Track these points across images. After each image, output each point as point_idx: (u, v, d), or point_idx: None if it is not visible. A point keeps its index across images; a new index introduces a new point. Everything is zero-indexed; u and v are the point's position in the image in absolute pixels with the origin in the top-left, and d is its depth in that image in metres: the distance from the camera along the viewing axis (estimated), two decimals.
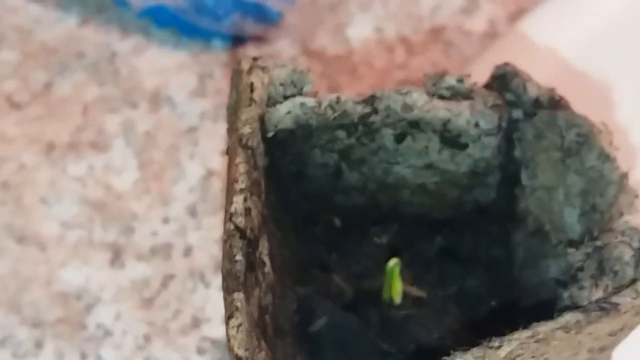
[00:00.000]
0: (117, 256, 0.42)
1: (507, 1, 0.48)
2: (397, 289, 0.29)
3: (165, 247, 0.42)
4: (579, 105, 0.26)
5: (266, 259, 0.27)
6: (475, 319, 0.28)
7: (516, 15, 0.47)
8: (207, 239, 0.42)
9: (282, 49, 0.47)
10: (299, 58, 0.47)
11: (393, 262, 0.28)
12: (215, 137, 0.45)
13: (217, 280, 0.41)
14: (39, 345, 0.39)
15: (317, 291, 0.29)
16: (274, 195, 0.29)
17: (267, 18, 0.44)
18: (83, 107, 0.46)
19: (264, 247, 0.27)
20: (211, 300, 0.40)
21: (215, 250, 0.42)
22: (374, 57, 0.47)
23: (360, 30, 0.48)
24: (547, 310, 0.25)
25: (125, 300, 0.40)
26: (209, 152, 0.44)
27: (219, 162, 0.44)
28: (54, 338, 0.39)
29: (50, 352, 0.39)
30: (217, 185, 0.44)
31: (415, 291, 0.29)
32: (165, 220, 0.43)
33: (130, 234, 0.42)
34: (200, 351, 0.39)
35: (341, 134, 0.29)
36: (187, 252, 0.42)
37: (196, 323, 0.39)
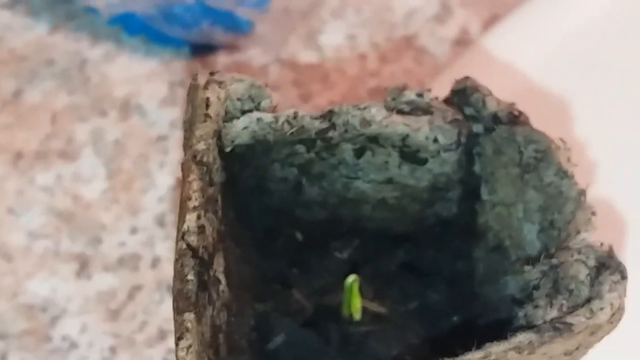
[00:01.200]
0: (83, 267, 0.41)
1: (481, 8, 0.48)
2: (356, 305, 0.28)
3: (132, 258, 0.41)
4: (538, 121, 0.26)
5: (221, 277, 0.26)
6: (436, 335, 0.28)
7: (489, 22, 0.47)
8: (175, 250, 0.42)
9: (254, 57, 0.47)
10: (271, 65, 0.46)
11: (351, 278, 0.28)
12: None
13: None
14: (3, 357, 0.38)
15: (277, 307, 0.29)
16: (232, 211, 0.29)
17: (237, 26, 0.44)
18: (52, 115, 0.46)
19: (219, 264, 0.26)
20: None
21: None
22: (347, 65, 0.47)
23: (332, 38, 0.47)
24: (504, 328, 0.24)
25: (91, 312, 0.40)
26: (179, 161, 0.44)
27: None
28: (18, 350, 0.39)
29: None
30: None
31: (375, 307, 0.29)
32: (134, 231, 0.42)
33: (98, 244, 0.42)
34: None
35: (300, 148, 0.28)
36: (155, 263, 0.41)
37: (163, 335, 0.39)
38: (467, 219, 0.29)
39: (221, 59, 0.47)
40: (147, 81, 0.47)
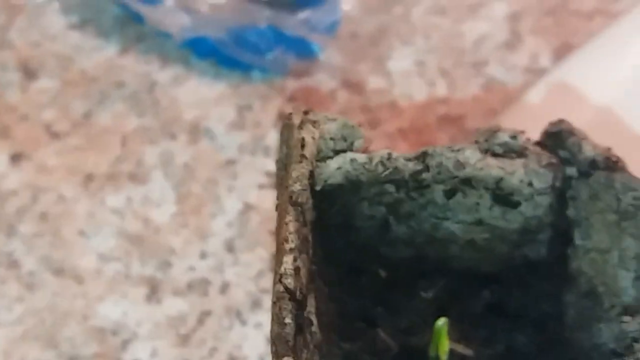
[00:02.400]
0: (154, 291, 0.41)
1: (551, 35, 0.47)
2: (444, 348, 0.28)
3: (202, 283, 0.42)
4: (634, 165, 0.26)
5: (313, 318, 0.26)
6: None
7: (560, 49, 0.47)
8: (244, 276, 0.42)
9: (322, 82, 0.47)
10: (339, 90, 0.46)
11: (442, 321, 0.27)
12: (253, 170, 0.45)
13: (253, 318, 0.41)
14: None
15: (363, 347, 0.29)
16: (320, 248, 0.29)
17: (308, 52, 0.44)
18: (122, 137, 0.46)
19: (311, 305, 0.26)
20: (248, 338, 0.40)
21: (252, 287, 0.41)
22: (415, 91, 0.47)
23: (401, 64, 0.47)
24: None
25: (161, 337, 0.40)
26: (247, 185, 0.44)
27: (257, 196, 0.44)
28: None
29: None
30: (255, 220, 0.43)
31: (462, 349, 0.29)
32: (203, 256, 0.42)
33: (168, 268, 0.42)
34: None
35: (390, 188, 0.28)
36: (224, 288, 0.41)
37: None
38: (557, 262, 0.28)
39: (290, 84, 0.47)
40: (215, 104, 0.47)
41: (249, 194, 0.44)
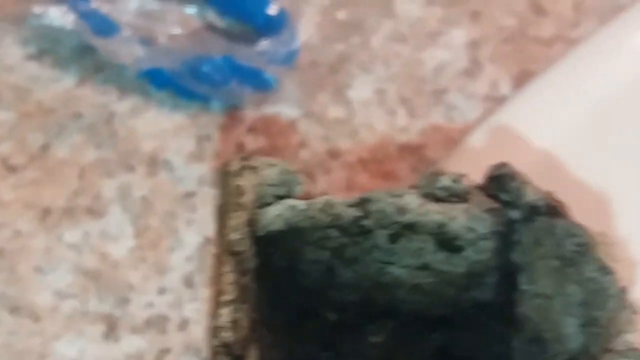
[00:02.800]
0: (111, 328, 0.41)
1: (511, 64, 0.47)
2: None
3: (160, 320, 0.41)
4: (576, 210, 0.26)
5: None
6: None
7: (520, 76, 0.46)
8: (203, 312, 0.41)
9: (282, 112, 0.46)
10: (299, 120, 0.46)
11: None
12: (213, 203, 0.44)
13: None
14: None
15: None
16: (264, 294, 0.28)
17: (263, 84, 0.44)
18: (80, 170, 0.45)
19: (253, 356, 0.26)
20: None
21: None
22: (375, 120, 0.46)
23: (361, 92, 0.47)
24: None
25: None
26: (207, 218, 0.44)
27: None
28: None
29: None
30: None
31: None
32: (161, 291, 0.42)
33: (126, 305, 0.41)
34: None
35: (333, 232, 0.28)
36: (183, 325, 0.41)
37: None
38: (505, 305, 0.28)
39: (250, 114, 0.46)
40: (174, 135, 0.47)
41: (209, 227, 0.44)
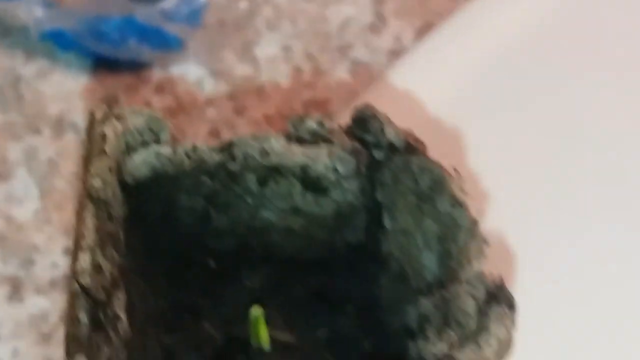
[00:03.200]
0: (16, 290, 0.41)
1: (414, 17, 0.47)
2: (264, 336, 0.28)
3: (65, 280, 0.41)
4: (434, 149, 0.26)
5: (121, 314, 0.26)
6: None
7: (423, 30, 0.47)
8: None
9: (189, 71, 0.46)
10: (205, 79, 0.46)
11: (255, 311, 0.28)
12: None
13: None
14: None
15: (187, 339, 0.29)
16: (138, 242, 0.29)
17: (166, 44, 0.44)
18: None
19: (118, 301, 0.26)
20: None
21: None
22: (282, 77, 0.46)
23: (267, 50, 0.47)
24: None
25: (23, 336, 0.40)
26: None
27: None
28: None
29: None
30: None
31: (283, 336, 0.29)
32: (67, 252, 0.42)
33: (30, 266, 0.42)
34: None
35: (205, 179, 0.28)
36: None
37: None
38: (374, 247, 0.29)
39: (156, 74, 0.46)
40: (81, 98, 0.47)
41: None
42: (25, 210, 0.43)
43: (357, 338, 0.29)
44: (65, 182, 0.44)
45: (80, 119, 0.46)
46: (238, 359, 0.28)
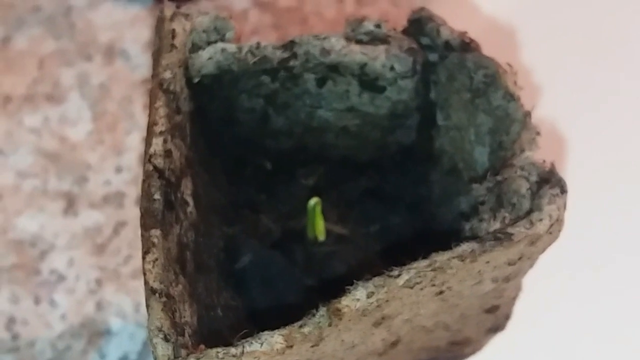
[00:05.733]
0: (70, 205, 0.43)
1: None
2: (319, 227, 0.30)
3: (117, 196, 0.43)
4: (488, 47, 0.27)
5: (189, 199, 0.28)
6: (396, 255, 0.30)
7: None
8: None
9: (233, 2, 0.48)
10: (251, 10, 0.48)
11: (313, 201, 0.29)
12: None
13: None
14: None
15: (245, 231, 0.31)
16: (202, 139, 0.30)
17: None
18: (39, 60, 0.47)
19: (187, 187, 0.28)
20: None
21: None
22: (325, 8, 0.48)
23: None
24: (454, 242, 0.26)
25: (78, 247, 0.42)
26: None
27: None
28: (9, 283, 0.40)
29: (5, 297, 0.40)
30: None
31: (338, 229, 0.30)
32: (118, 170, 0.44)
33: (84, 183, 0.43)
34: None
35: (265, 79, 0.30)
36: (139, 200, 0.43)
37: None
38: (426, 145, 0.30)
39: (204, 5, 0.48)
40: (130, 26, 0.48)
41: None
42: (79, 131, 0.45)
43: (406, 232, 0.30)
44: (116, 106, 0.46)
45: (129, 46, 0.47)
46: (294, 248, 0.30)
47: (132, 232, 0.42)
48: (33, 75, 0.47)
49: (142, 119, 0.45)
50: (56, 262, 0.41)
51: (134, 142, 0.45)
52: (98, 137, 0.45)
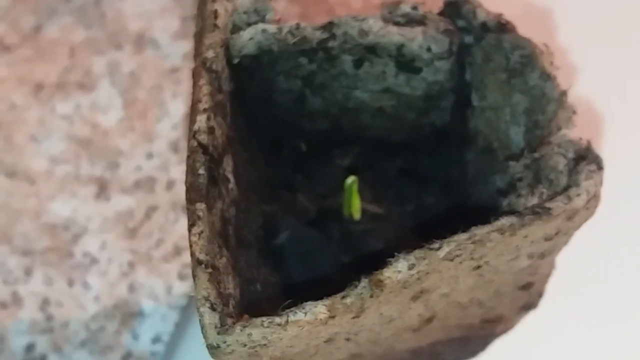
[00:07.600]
0: (102, 189, 0.43)
1: None
2: (356, 206, 0.30)
3: (148, 181, 0.44)
4: (524, 28, 0.28)
5: (230, 176, 0.28)
6: (431, 233, 0.30)
7: None
8: None
9: None
10: (279, 1, 0.48)
11: (351, 179, 0.30)
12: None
13: None
14: (28, 272, 0.41)
15: (283, 209, 0.31)
16: (241, 119, 0.31)
17: None
18: (70, 49, 0.48)
19: (228, 164, 0.28)
20: None
21: None
22: None
23: None
24: (491, 217, 0.26)
25: (110, 231, 0.42)
26: (191, 90, 0.46)
27: None
28: (42, 266, 0.41)
29: (39, 279, 0.41)
30: None
31: (373, 208, 0.31)
32: (149, 156, 0.44)
33: (116, 168, 0.44)
34: (181, 277, 0.41)
35: (303, 60, 0.30)
36: (170, 185, 0.44)
37: (178, 251, 0.41)
38: (460, 126, 0.31)
39: None
40: (160, 16, 0.49)
41: None
42: (110, 118, 0.46)
43: (441, 210, 0.31)
44: (147, 93, 0.46)
45: (159, 35, 0.48)
46: (330, 226, 0.30)
47: (163, 217, 0.43)
48: (64, 63, 0.47)
49: (172, 107, 0.46)
50: (89, 245, 0.42)
51: (165, 129, 0.45)
52: (129, 124, 0.46)
